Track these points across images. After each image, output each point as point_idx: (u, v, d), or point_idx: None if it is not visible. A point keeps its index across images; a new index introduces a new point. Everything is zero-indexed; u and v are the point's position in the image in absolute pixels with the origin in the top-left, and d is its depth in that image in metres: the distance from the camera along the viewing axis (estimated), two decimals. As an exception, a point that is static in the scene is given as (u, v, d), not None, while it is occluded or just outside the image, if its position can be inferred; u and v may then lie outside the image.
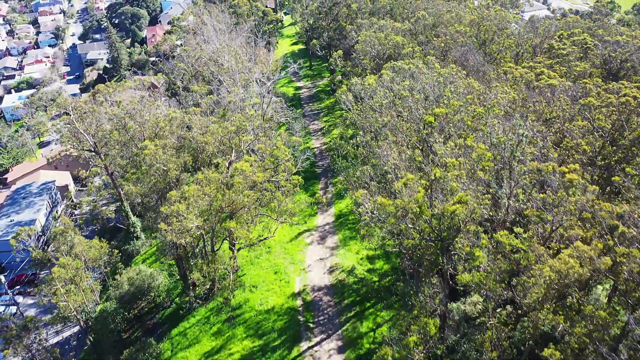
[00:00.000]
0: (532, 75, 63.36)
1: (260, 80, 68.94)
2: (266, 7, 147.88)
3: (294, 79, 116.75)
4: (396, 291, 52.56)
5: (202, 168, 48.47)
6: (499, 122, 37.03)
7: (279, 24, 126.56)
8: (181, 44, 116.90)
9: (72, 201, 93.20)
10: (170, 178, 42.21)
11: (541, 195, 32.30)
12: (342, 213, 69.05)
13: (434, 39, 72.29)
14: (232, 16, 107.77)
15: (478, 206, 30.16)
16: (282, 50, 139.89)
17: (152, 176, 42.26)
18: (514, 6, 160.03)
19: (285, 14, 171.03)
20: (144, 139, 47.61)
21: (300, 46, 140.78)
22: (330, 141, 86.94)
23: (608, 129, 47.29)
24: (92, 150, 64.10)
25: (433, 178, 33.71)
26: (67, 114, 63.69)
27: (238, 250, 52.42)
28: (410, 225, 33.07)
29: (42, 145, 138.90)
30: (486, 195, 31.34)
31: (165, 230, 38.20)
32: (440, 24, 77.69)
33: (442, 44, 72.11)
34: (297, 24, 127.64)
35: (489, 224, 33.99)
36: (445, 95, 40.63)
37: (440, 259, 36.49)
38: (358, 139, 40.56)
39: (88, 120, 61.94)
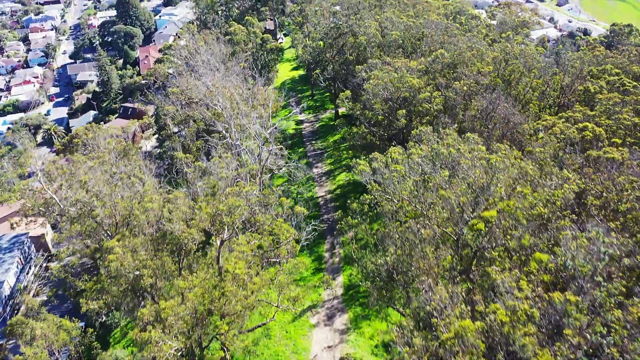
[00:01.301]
0: (574, 131, 54.83)
1: (258, 132, 60.26)
2: (265, 29, 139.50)
3: (295, 110, 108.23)
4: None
5: (187, 257, 39.53)
6: (572, 233, 28.20)
7: (280, 52, 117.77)
8: (172, 72, 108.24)
9: (49, 253, 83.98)
10: (144, 285, 33.24)
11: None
12: (352, 283, 59.96)
13: (455, 83, 63.70)
14: (227, 45, 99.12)
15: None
16: (282, 76, 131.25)
17: (120, 282, 33.30)
18: (525, 27, 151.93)
19: (285, 35, 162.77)
20: (115, 225, 38.94)
21: (301, 72, 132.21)
22: (337, 189, 78.31)
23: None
24: (63, 215, 55.15)
25: (493, 321, 24.83)
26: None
27: (228, 351, 43.35)
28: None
29: (23, 177, 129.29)
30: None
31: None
32: (461, 63, 69.20)
33: (465, 88, 63.56)
34: (297, 47, 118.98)
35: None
36: (494, 185, 31.81)
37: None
38: (389, 258, 31.71)
39: (58, 179, 53.12)
